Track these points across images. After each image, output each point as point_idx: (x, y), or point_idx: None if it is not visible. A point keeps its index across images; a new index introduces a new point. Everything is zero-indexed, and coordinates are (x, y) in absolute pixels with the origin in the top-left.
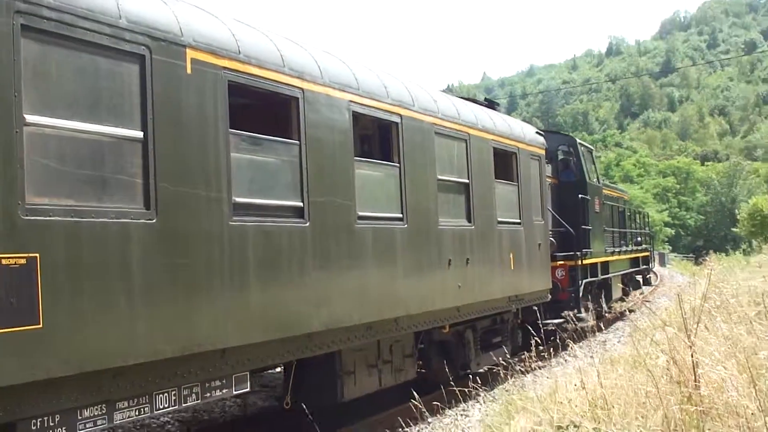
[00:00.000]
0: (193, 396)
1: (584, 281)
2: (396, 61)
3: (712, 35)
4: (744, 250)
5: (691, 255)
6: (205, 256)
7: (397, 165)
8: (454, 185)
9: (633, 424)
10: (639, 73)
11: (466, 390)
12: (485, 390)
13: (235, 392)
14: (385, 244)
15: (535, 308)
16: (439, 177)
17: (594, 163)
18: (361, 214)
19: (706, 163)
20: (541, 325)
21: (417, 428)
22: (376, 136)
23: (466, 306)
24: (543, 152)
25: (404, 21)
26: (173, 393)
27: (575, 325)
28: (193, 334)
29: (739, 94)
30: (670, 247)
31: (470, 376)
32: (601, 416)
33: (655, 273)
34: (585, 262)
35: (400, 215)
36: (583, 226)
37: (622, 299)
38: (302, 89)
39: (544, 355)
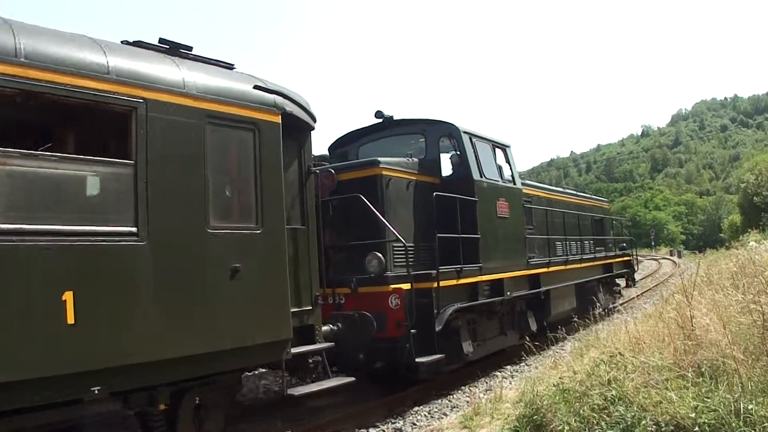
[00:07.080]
0: None
1: (452, 308)
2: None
3: (701, 122)
4: (726, 246)
5: (696, 251)
6: None
7: None
8: None
9: (656, 353)
10: (660, 146)
11: (565, 336)
12: (572, 335)
13: None
14: None
15: (254, 373)
16: None
17: (509, 161)
18: None
19: (702, 197)
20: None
21: (533, 357)
22: None
23: None
24: (275, 120)
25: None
26: None
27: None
28: None
29: (718, 156)
30: (683, 246)
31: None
32: (636, 349)
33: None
34: (450, 283)
35: None
36: (453, 234)
37: (576, 311)
38: None
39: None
